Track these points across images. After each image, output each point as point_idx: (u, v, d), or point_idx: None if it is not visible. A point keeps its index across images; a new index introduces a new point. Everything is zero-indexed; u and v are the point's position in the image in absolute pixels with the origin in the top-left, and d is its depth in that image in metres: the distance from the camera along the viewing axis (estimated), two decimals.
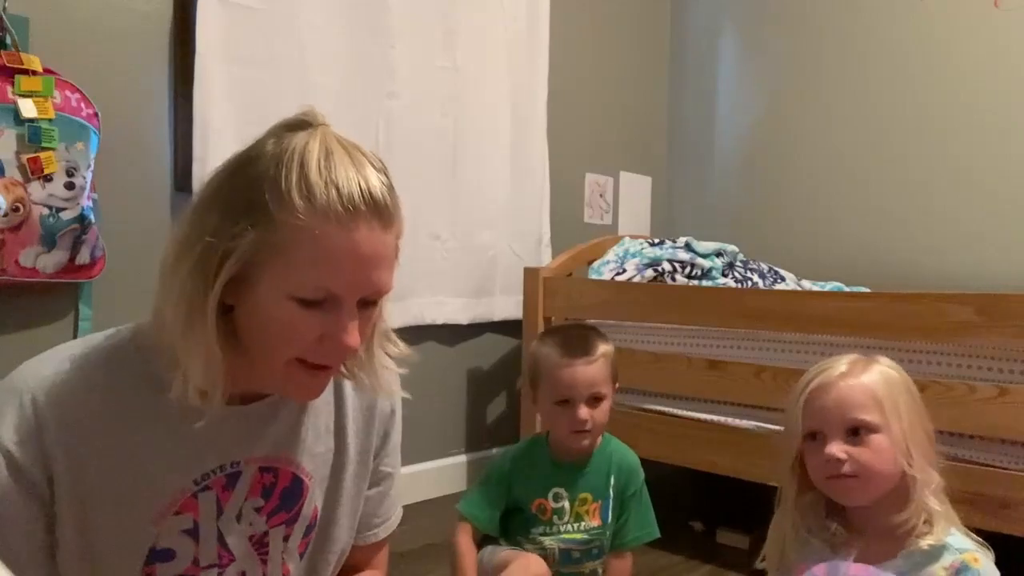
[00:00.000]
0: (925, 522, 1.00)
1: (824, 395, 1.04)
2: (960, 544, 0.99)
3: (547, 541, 1.43)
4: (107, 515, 0.78)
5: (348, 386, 0.94)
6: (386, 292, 0.77)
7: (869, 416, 1.01)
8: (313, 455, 0.90)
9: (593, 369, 1.39)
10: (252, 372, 0.80)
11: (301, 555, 0.92)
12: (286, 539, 0.89)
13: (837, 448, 1.02)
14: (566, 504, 1.44)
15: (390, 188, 0.76)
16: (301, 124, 0.76)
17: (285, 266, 0.71)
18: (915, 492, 1.00)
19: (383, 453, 1.00)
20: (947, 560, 0.97)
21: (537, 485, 1.45)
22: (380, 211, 0.73)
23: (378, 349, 0.86)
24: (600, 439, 1.48)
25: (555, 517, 1.44)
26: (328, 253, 0.71)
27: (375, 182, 0.73)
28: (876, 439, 1.01)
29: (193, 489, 0.82)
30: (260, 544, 0.87)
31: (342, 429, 0.93)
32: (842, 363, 1.07)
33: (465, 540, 1.42)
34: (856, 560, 1.03)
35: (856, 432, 1.02)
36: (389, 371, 0.89)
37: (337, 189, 0.70)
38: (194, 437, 0.80)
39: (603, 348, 1.42)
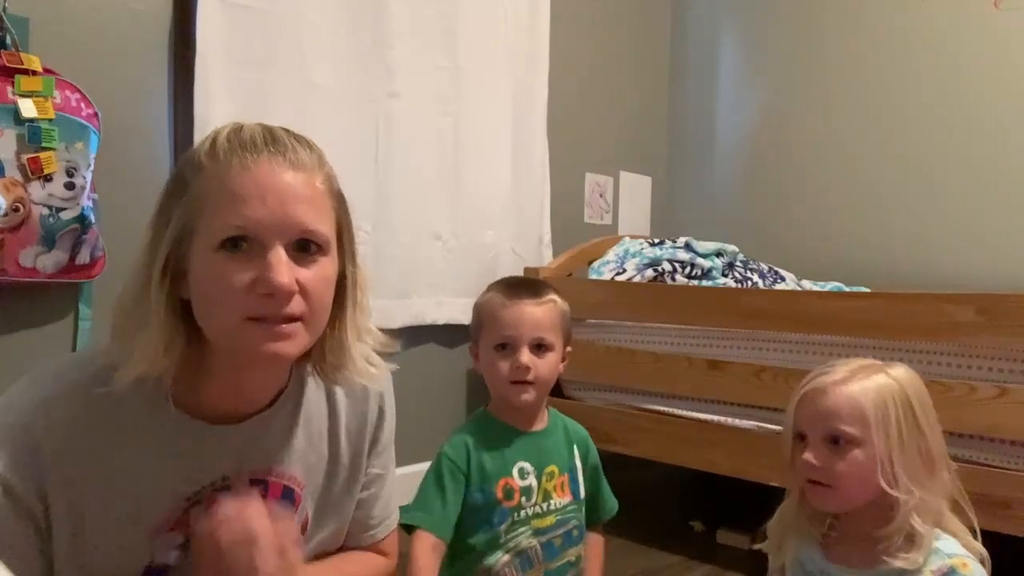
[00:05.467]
0: (908, 539, 0.97)
1: (813, 400, 1.04)
2: (950, 549, 0.97)
3: (523, 539, 1.23)
4: (103, 535, 0.78)
5: (340, 393, 0.94)
6: (311, 233, 0.76)
7: (849, 428, 1.00)
8: (307, 464, 0.91)
9: (540, 311, 1.25)
10: (221, 364, 0.80)
11: None
12: None
13: (812, 455, 1.01)
14: (533, 481, 1.27)
15: (305, 143, 0.79)
16: None
17: (205, 221, 0.74)
18: (897, 512, 0.98)
19: (373, 454, 1.00)
20: (934, 563, 0.96)
21: (500, 461, 1.26)
22: (283, 151, 0.75)
23: (352, 337, 0.84)
24: (547, 410, 1.35)
25: (523, 499, 1.25)
26: (233, 191, 0.73)
27: (280, 132, 0.77)
28: (854, 452, 1.00)
29: (185, 506, 0.82)
30: None
31: (335, 436, 0.94)
32: (842, 368, 1.05)
33: (425, 555, 1.15)
34: (836, 564, 1.03)
35: (836, 441, 1.01)
36: (377, 368, 0.88)
37: (240, 140, 0.75)
38: (188, 455, 0.81)
39: (554, 296, 1.29)
